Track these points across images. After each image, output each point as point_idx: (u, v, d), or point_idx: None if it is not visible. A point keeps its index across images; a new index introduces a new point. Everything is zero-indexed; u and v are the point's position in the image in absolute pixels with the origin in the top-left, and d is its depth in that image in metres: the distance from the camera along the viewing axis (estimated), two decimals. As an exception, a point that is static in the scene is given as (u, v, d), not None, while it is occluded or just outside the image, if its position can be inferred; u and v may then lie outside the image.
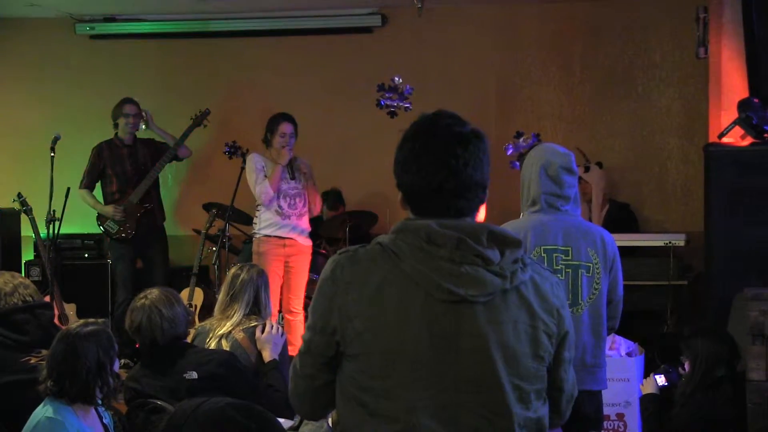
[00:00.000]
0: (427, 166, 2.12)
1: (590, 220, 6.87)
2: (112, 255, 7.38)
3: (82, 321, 3.40)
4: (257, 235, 6.57)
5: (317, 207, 6.76)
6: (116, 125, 7.28)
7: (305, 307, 7.11)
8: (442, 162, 2.11)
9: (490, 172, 2.18)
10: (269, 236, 6.51)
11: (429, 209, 2.14)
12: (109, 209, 7.14)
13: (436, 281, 2.06)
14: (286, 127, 6.52)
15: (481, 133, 2.18)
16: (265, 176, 6.49)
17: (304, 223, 6.64)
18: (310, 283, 7.09)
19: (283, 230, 6.52)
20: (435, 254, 2.07)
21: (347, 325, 2.10)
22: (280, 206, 6.49)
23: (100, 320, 3.44)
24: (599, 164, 7.25)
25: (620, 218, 7.23)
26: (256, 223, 6.60)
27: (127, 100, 7.26)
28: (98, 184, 7.29)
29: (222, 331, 4.34)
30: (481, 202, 2.20)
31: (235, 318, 4.37)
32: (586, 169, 7.13)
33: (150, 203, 7.23)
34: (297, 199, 6.57)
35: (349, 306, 2.10)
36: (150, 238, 7.26)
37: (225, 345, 4.28)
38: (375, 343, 2.08)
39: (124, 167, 7.23)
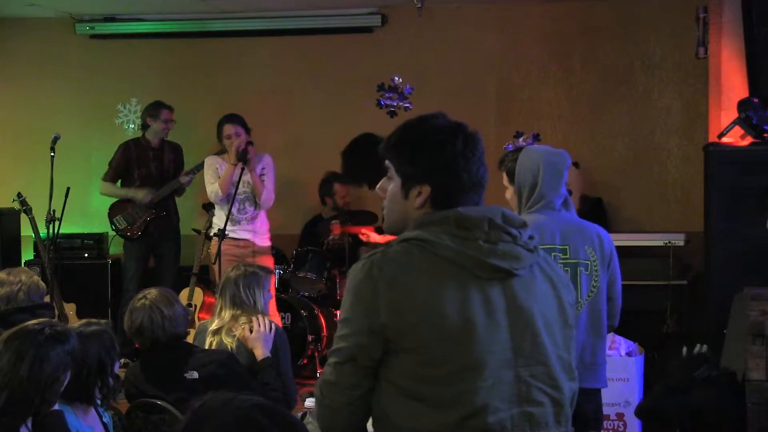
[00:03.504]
0: (467, 164, 2.21)
1: None
2: (124, 252, 7.41)
3: (84, 321, 3.40)
4: (214, 237, 6.62)
5: (267, 201, 6.73)
6: (145, 126, 7.29)
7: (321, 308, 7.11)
8: (478, 161, 2.23)
9: None
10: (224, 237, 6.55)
11: (460, 204, 2.20)
12: (140, 194, 7.19)
13: (480, 260, 2.12)
14: (229, 129, 6.62)
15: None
16: (218, 177, 6.61)
17: (258, 225, 6.71)
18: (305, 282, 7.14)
19: (237, 233, 6.62)
20: (469, 237, 2.13)
21: (399, 321, 2.09)
22: (230, 212, 6.52)
23: (102, 321, 3.45)
24: (575, 164, 7.26)
25: (590, 212, 7.20)
26: (211, 225, 6.71)
27: (165, 105, 7.28)
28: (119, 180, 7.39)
29: (213, 327, 4.36)
30: None
31: (225, 316, 4.38)
32: None
33: (162, 210, 7.26)
34: (246, 204, 6.68)
35: (397, 302, 2.10)
36: (163, 237, 7.34)
37: (228, 342, 4.28)
38: (433, 332, 2.09)
39: (149, 169, 7.30)
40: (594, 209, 7.31)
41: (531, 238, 2.23)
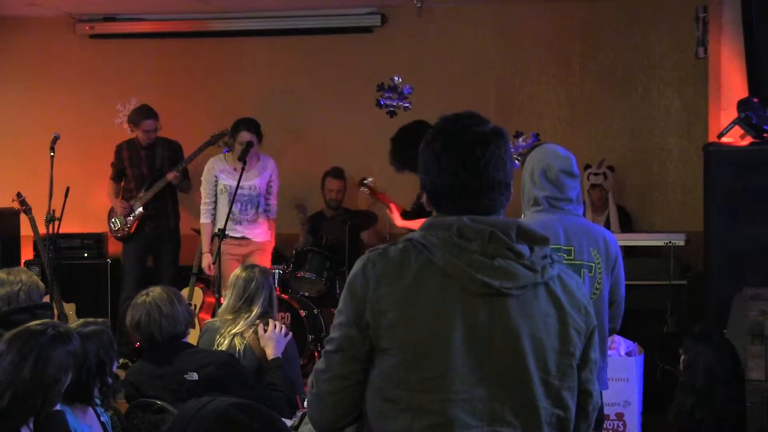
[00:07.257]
0: (447, 167, 2.15)
1: (609, 225, 6.94)
2: (122, 253, 7.42)
3: (82, 321, 3.41)
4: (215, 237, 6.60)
5: (274, 213, 6.83)
6: (132, 130, 7.33)
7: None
8: (462, 163, 2.14)
9: (513, 169, 2.20)
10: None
11: (453, 209, 2.15)
12: (117, 203, 7.27)
13: (471, 274, 2.07)
14: (246, 137, 6.53)
15: (502, 131, 2.20)
16: (215, 189, 6.56)
17: (259, 228, 6.72)
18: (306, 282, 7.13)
19: (237, 233, 6.61)
20: (467, 248, 2.09)
21: (380, 318, 2.09)
22: (232, 211, 6.50)
23: (99, 320, 3.46)
24: (611, 168, 7.31)
25: (625, 224, 7.28)
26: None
27: (148, 115, 7.24)
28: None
29: (236, 330, 4.34)
30: (507, 201, 2.21)
31: (252, 318, 4.37)
32: (605, 177, 7.20)
33: (156, 209, 7.26)
34: (248, 206, 6.65)
35: (382, 299, 2.10)
36: (162, 238, 7.34)
37: (238, 343, 4.28)
38: (408, 335, 2.08)
39: (141, 169, 7.33)
40: (624, 220, 7.35)
41: (545, 257, 2.14)
